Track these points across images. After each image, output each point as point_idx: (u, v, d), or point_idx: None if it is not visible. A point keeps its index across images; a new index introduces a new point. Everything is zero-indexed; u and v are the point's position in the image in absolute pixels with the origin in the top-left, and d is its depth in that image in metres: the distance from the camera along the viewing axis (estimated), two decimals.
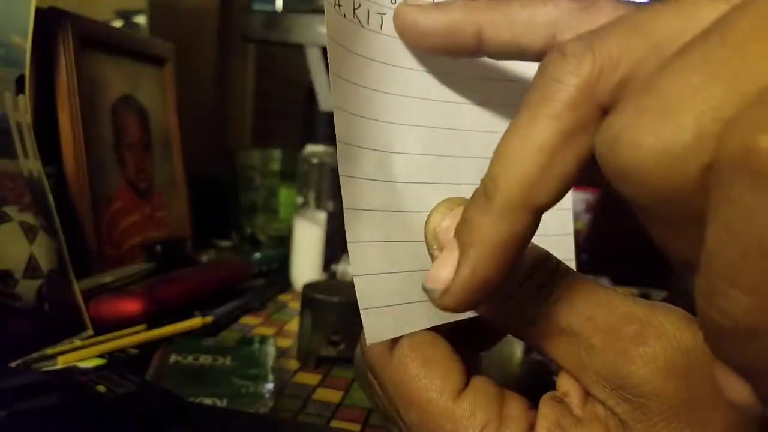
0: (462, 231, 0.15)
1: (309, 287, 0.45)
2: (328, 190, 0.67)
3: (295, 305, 0.57)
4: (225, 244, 0.79)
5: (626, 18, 0.13)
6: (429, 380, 0.18)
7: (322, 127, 0.70)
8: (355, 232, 0.18)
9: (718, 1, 0.12)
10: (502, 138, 0.14)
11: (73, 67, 0.54)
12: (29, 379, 0.34)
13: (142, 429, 0.31)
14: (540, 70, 0.14)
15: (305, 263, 0.63)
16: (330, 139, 0.68)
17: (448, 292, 0.15)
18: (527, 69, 0.20)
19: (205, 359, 0.42)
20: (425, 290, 0.16)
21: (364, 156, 0.18)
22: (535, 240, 0.18)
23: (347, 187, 0.18)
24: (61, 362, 0.38)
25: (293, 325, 0.52)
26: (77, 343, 0.41)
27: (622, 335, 0.16)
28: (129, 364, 0.40)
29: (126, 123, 0.63)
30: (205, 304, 0.53)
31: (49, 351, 0.39)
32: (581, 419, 0.17)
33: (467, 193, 0.18)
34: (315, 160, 0.67)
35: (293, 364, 0.44)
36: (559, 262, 0.18)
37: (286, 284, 0.64)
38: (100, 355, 0.40)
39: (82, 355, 0.39)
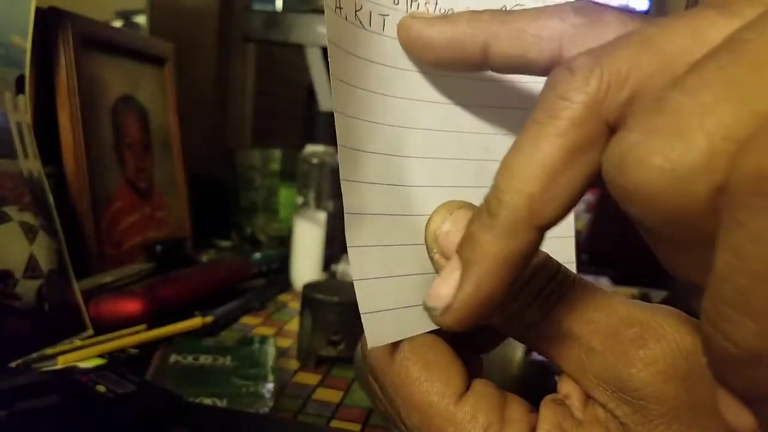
0: (465, 248, 0.15)
1: (309, 287, 0.45)
2: (328, 190, 0.67)
3: (295, 305, 0.57)
4: (225, 244, 0.79)
5: (635, 33, 0.13)
6: (430, 383, 0.18)
7: (322, 127, 0.70)
8: (355, 236, 0.17)
9: (731, 17, 0.12)
10: (507, 154, 0.14)
11: (73, 67, 0.54)
12: (29, 379, 0.34)
13: (142, 429, 0.31)
14: (546, 86, 0.14)
15: (305, 263, 0.63)
16: (330, 139, 0.68)
17: (450, 310, 0.15)
18: None
19: (205, 359, 0.42)
20: (426, 309, 0.16)
21: (365, 159, 0.18)
22: None
23: (348, 191, 0.17)
24: (61, 362, 0.38)
25: (293, 325, 0.52)
26: (77, 343, 0.41)
27: (622, 338, 0.16)
28: (129, 364, 0.40)
29: (126, 123, 0.63)
30: (205, 304, 0.53)
31: (49, 351, 0.39)
32: (582, 422, 0.17)
33: (468, 196, 0.18)
34: (315, 160, 0.67)
35: (293, 364, 0.44)
36: (559, 266, 0.18)
37: (286, 284, 0.64)
38: (100, 355, 0.40)
39: (82, 355, 0.39)
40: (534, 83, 0.20)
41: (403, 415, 0.18)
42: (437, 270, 0.18)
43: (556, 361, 0.18)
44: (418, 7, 0.19)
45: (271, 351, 0.44)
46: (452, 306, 0.15)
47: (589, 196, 0.88)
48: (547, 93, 0.14)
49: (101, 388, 0.32)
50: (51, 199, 0.45)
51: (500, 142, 0.21)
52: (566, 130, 0.13)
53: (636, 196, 0.11)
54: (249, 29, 0.85)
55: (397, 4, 0.19)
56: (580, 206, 0.87)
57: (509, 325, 0.18)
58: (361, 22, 0.18)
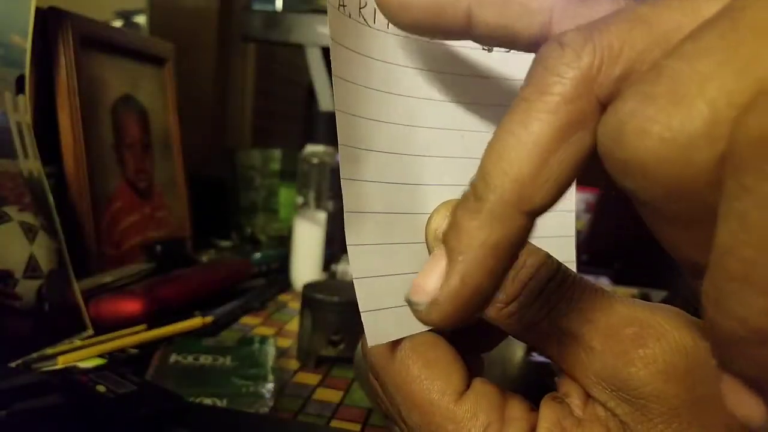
0: (449, 236, 0.14)
1: (309, 287, 0.45)
2: (328, 190, 0.67)
3: (295, 305, 0.57)
4: (225, 244, 0.79)
5: (627, 10, 0.13)
6: (431, 382, 0.18)
7: (322, 127, 0.70)
8: (355, 234, 0.17)
9: None
10: (495, 134, 0.13)
11: (73, 67, 0.54)
12: (29, 379, 0.33)
13: (142, 429, 0.31)
14: (536, 61, 0.13)
15: (305, 263, 0.63)
16: (330, 139, 0.68)
17: (436, 305, 0.14)
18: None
19: (205, 359, 0.42)
20: (409, 304, 0.14)
21: (366, 158, 0.18)
22: (536, 242, 0.18)
23: (348, 190, 0.17)
24: (61, 362, 0.38)
25: (293, 325, 0.52)
26: (77, 343, 0.41)
27: (621, 337, 0.16)
28: (129, 364, 0.40)
29: (126, 123, 0.63)
30: (205, 304, 0.53)
31: (49, 351, 0.39)
32: (582, 420, 0.17)
33: None
34: (315, 160, 0.67)
35: (293, 364, 0.44)
36: (560, 265, 0.18)
37: (286, 284, 0.64)
38: (100, 355, 0.40)
39: (82, 355, 0.39)
40: None
41: (403, 414, 0.18)
42: None
43: (556, 360, 0.18)
44: None
45: (271, 351, 0.44)
46: (438, 300, 0.14)
47: (589, 196, 0.87)
48: (536, 68, 0.13)
49: (101, 388, 0.32)
50: (51, 199, 0.45)
51: None
52: (557, 106, 0.12)
53: (635, 168, 0.11)
54: (249, 29, 0.85)
55: None
56: (580, 206, 0.86)
57: (509, 324, 0.18)
58: (365, 19, 0.18)
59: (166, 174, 0.70)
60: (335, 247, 0.66)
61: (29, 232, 0.42)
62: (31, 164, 0.44)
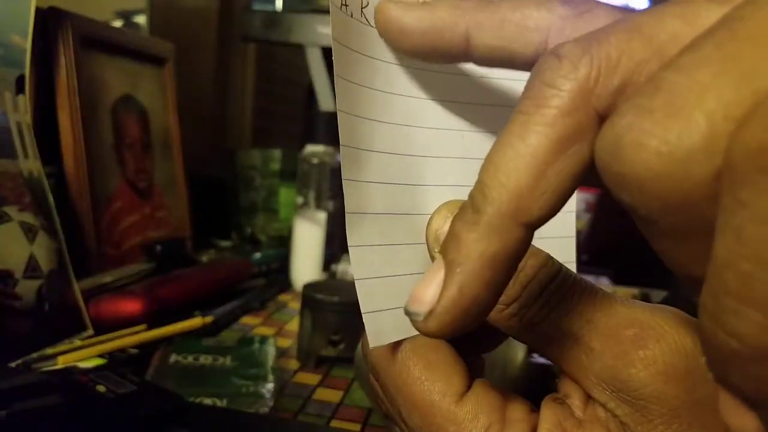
0: (448, 247, 0.14)
1: (309, 287, 0.45)
2: (328, 190, 0.67)
3: (295, 305, 0.57)
4: (225, 244, 0.79)
5: (625, 20, 0.12)
6: (431, 383, 0.18)
7: (322, 127, 0.70)
8: (356, 235, 0.17)
9: (722, 3, 0.11)
10: (493, 147, 0.13)
11: (73, 67, 0.54)
12: (29, 379, 0.33)
13: (142, 429, 0.31)
14: (533, 74, 0.13)
15: (305, 263, 0.63)
16: (330, 139, 0.68)
17: (433, 315, 0.14)
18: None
19: (205, 359, 0.42)
20: (408, 314, 0.14)
21: (368, 159, 0.18)
22: (537, 242, 0.18)
23: (350, 190, 0.17)
24: (61, 362, 0.38)
25: (293, 325, 0.52)
26: (77, 343, 0.41)
27: (621, 338, 0.16)
28: (129, 364, 0.40)
29: (126, 123, 0.63)
30: (205, 304, 0.53)
31: (49, 351, 0.39)
32: (582, 421, 0.17)
33: None
34: (315, 160, 0.67)
35: (293, 364, 0.44)
36: (560, 266, 0.18)
37: (286, 284, 0.64)
38: (100, 355, 0.40)
39: (82, 355, 0.39)
40: None
41: (404, 415, 0.18)
42: None
43: (556, 361, 0.18)
44: None
45: (271, 351, 0.44)
46: (435, 311, 0.14)
47: (589, 196, 0.88)
48: (533, 81, 0.13)
49: (101, 388, 0.32)
50: (51, 199, 0.45)
51: None
52: (554, 119, 0.12)
53: (632, 182, 0.10)
54: (249, 29, 0.85)
55: None
56: (580, 206, 0.86)
57: (509, 325, 0.18)
58: (366, 20, 0.18)
59: (166, 174, 0.70)
60: (335, 247, 0.66)
61: (29, 232, 0.42)
62: (31, 164, 0.44)
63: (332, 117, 0.19)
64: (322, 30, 0.79)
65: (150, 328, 0.45)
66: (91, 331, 0.44)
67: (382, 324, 0.18)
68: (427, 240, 0.18)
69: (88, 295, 0.46)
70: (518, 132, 0.13)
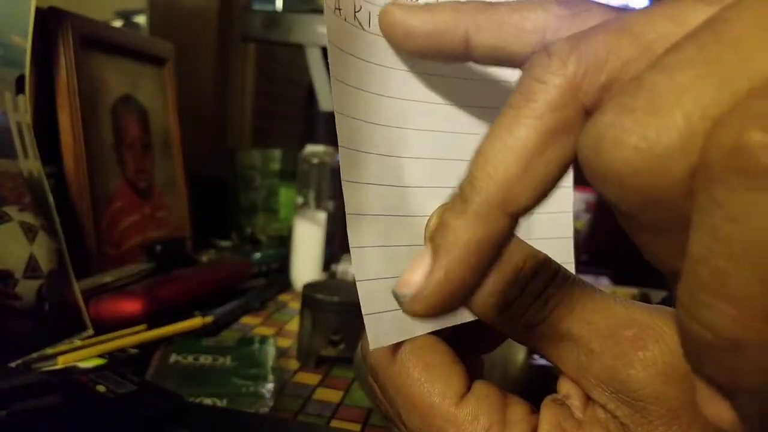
0: (436, 234, 0.14)
1: (309, 287, 0.45)
2: (328, 190, 0.67)
3: (295, 305, 0.57)
4: (225, 244, 0.79)
5: (615, 20, 0.13)
6: (431, 385, 0.18)
7: (322, 127, 0.70)
8: (357, 237, 0.17)
9: (710, 3, 0.11)
10: (483, 139, 0.14)
11: (73, 67, 0.54)
12: (29, 379, 0.34)
13: (142, 429, 0.31)
14: (524, 70, 0.13)
15: (305, 263, 0.63)
16: (330, 139, 0.68)
17: (419, 297, 0.14)
18: None
19: (205, 359, 0.42)
20: (395, 296, 0.15)
21: (366, 160, 0.18)
22: (535, 243, 0.18)
23: (349, 192, 0.17)
24: (61, 362, 0.38)
25: (293, 325, 0.52)
26: (77, 343, 0.41)
27: (620, 339, 0.16)
28: (129, 364, 0.40)
29: (126, 123, 0.63)
30: (205, 304, 0.53)
31: (49, 351, 0.39)
32: (582, 422, 0.17)
33: None
34: (315, 160, 0.67)
35: (293, 364, 0.44)
36: (558, 267, 0.18)
37: (286, 284, 0.64)
38: (100, 355, 0.40)
39: (82, 355, 0.39)
40: None
41: (403, 417, 0.18)
42: None
43: (555, 362, 0.18)
44: None
45: (271, 351, 0.44)
46: (421, 293, 0.14)
47: (588, 196, 0.87)
48: (524, 77, 0.13)
49: (101, 388, 0.32)
50: (51, 199, 0.45)
51: None
52: (542, 113, 0.13)
53: (611, 178, 0.11)
54: (249, 29, 0.85)
55: None
56: (580, 206, 0.86)
57: (509, 327, 0.18)
58: (360, 23, 0.18)
59: (166, 174, 0.70)
60: (335, 247, 0.66)
61: (29, 232, 0.42)
62: (31, 164, 0.44)
63: (332, 117, 0.19)
64: (322, 30, 0.79)
65: (150, 328, 0.45)
66: (91, 331, 0.44)
67: (383, 325, 0.18)
68: (425, 241, 0.18)
69: (88, 295, 0.46)
70: (507, 124, 0.13)
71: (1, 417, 0.27)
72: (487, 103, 0.21)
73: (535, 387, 0.33)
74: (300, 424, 0.36)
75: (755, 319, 0.09)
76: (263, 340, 0.46)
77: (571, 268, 0.20)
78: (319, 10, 0.82)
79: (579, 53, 0.12)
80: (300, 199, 0.68)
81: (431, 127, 0.20)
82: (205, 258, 0.70)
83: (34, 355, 0.38)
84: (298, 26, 0.81)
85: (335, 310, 0.42)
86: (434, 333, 0.19)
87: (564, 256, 0.21)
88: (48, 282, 0.42)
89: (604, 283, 0.73)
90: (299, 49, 0.83)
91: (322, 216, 0.64)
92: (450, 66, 0.20)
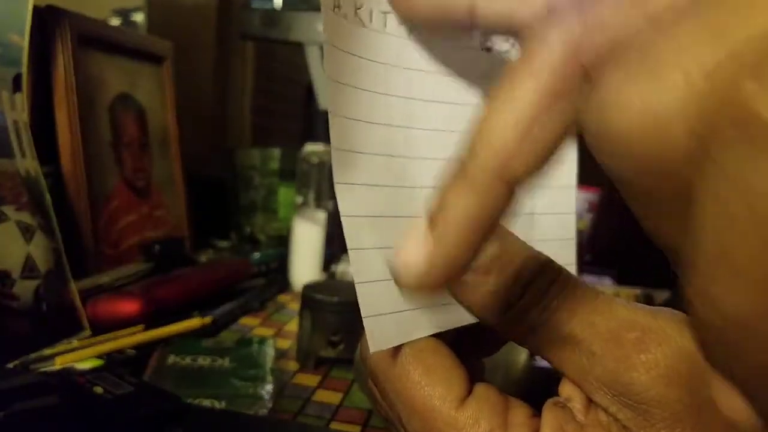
0: (432, 205, 0.14)
1: (308, 287, 0.45)
2: (328, 189, 0.67)
3: (294, 306, 0.57)
4: (224, 243, 0.79)
5: None
6: (432, 388, 0.18)
7: (322, 126, 0.70)
8: (355, 239, 0.17)
9: None
10: (485, 106, 0.13)
11: (70, 65, 0.54)
12: (27, 380, 0.33)
13: (140, 430, 0.31)
14: (527, 31, 0.13)
15: (305, 263, 0.63)
16: (330, 138, 0.68)
17: (414, 268, 0.14)
18: None
19: (203, 360, 0.41)
20: (390, 269, 0.15)
21: (363, 161, 0.18)
22: (537, 245, 0.18)
23: (344, 194, 0.17)
24: (59, 363, 0.38)
25: (292, 326, 0.52)
26: (75, 343, 0.41)
27: (623, 342, 0.16)
28: (127, 364, 0.40)
29: (124, 122, 0.63)
30: (204, 305, 0.53)
31: (47, 352, 0.39)
32: (584, 425, 0.17)
33: None
34: (315, 160, 0.67)
35: (292, 365, 0.44)
36: (560, 269, 0.18)
37: (285, 284, 0.64)
38: (98, 356, 0.40)
39: (79, 356, 0.39)
40: None
41: (404, 420, 0.18)
42: None
43: (557, 364, 0.18)
44: None
45: (270, 352, 0.43)
46: (417, 265, 0.14)
47: (591, 196, 0.87)
48: (525, 37, 0.13)
49: (99, 389, 0.32)
50: (48, 198, 0.45)
51: None
52: (542, 72, 0.12)
53: (613, 143, 0.11)
54: (248, 27, 0.85)
55: None
56: (583, 206, 0.86)
57: (509, 329, 0.18)
58: (361, 21, 0.18)
59: (165, 173, 0.70)
60: (335, 247, 0.65)
61: (26, 231, 0.42)
62: (28, 163, 0.44)
63: None
64: (322, 28, 0.78)
65: (148, 328, 0.45)
66: (88, 332, 0.44)
67: (383, 328, 0.17)
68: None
69: (85, 295, 0.46)
70: (507, 87, 0.13)
71: None
72: None
73: (536, 389, 0.33)
74: (299, 425, 0.35)
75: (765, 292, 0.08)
76: (262, 341, 0.46)
77: (573, 269, 0.20)
78: (318, 8, 0.82)
79: (582, 14, 0.12)
80: (299, 199, 0.68)
81: (434, 125, 0.19)
82: (203, 258, 0.69)
83: (32, 355, 0.38)
84: (297, 24, 0.81)
85: (335, 310, 0.42)
86: (435, 336, 0.19)
87: (566, 257, 0.21)
88: (45, 282, 0.42)
89: (607, 283, 0.73)
90: (299, 48, 0.83)
91: (321, 216, 0.64)
92: (453, 64, 0.20)
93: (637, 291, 0.65)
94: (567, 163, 0.21)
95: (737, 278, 0.08)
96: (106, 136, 0.60)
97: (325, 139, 0.69)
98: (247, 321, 0.53)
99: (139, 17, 0.78)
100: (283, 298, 0.61)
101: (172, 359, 0.41)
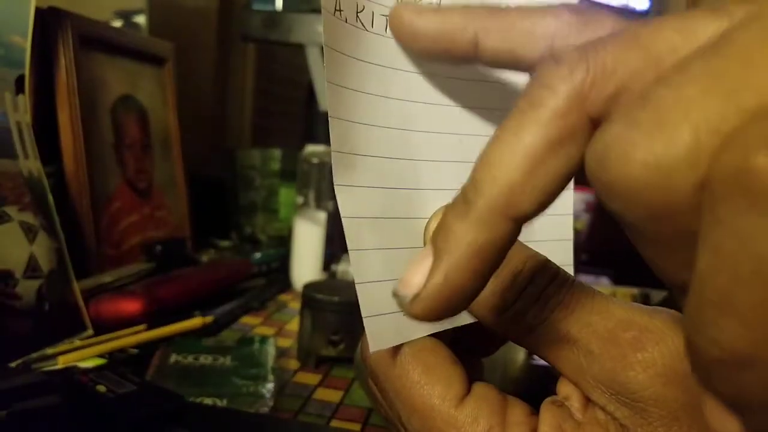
0: (438, 236, 0.14)
1: (309, 287, 0.45)
2: (328, 189, 0.67)
3: (295, 305, 0.57)
4: (225, 243, 0.79)
5: (624, 31, 0.13)
6: (431, 387, 0.18)
7: (322, 127, 0.70)
8: (356, 239, 0.17)
9: (721, 17, 0.11)
10: (488, 143, 0.14)
11: (72, 66, 0.54)
12: (29, 379, 0.33)
13: (142, 429, 0.31)
14: (533, 76, 0.13)
15: (305, 263, 0.63)
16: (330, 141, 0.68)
17: (418, 299, 0.14)
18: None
19: (205, 359, 0.42)
20: (395, 296, 0.15)
21: (363, 163, 0.18)
22: (534, 245, 0.18)
23: (345, 196, 0.17)
24: (62, 362, 0.38)
25: (293, 325, 0.52)
26: (77, 343, 0.41)
27: (620, 341, 0.16)
28: (129, 364, 0.40)
29: (125, 123, 0.63)
30: (205, 304, 0.53)
31: (49, 351, 0.39)
32: (582, 424, 0.17)
33: None
34: (315, 160, 0.67)
35: (293, 363, 0.44)
36: (558, 269, 0.18)
37: (286, 284, 0.64)
38: (100, 355, 0.40)
39: (82, 355, 0.39)
40: None
41: (403, 419, 0.18)
42: None
43: (554, 364, 0.18)
44: None
45: (271, 351, 0.44)
46: (421, 295, 0.14)
47: (588, 196, 0.87)
48: (531, 83, 0.13)
49: (101, 388, 0.32)
50: (51, 199, 0.45)
51: None
52: (548, 119, 0.13)
53: (618, 191, 0.11)
54: (249, 29, 0.85)
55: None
56: (580, 206, 0.86)
57: (508, 329, 0.18)
58: (362, 24, 0.18)
59: (166, 174, 0.70)
60: (335, 247, 0.66)
61: (29, 232, 0.42)
62: (31, 164, 0.44)
63: None
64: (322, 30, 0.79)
65: (150, 328, 0.45)
66: (91, 331, 0.44)
67: (383, 328, 0.18)
68: (424, 243, 0.18)
69: (88, 295, 0.46)
70: (513, 129, 0.13)
71: (1, 417, 0.27)
72: (492, 105, 0.21)
73: (535, 388, 0.33)
74: (300, 424, 0.36)
75: (764, 337, 0.09)
76: (263, 340, 0.46)
77: (570, 270, 0.20)
78: (319, 10, 0.82)
79: (587, 62, 0.12)
80: (300, 199, 0.68)
81: (433, 128, 0.20)
82: (205, 258, 0.69)
83: (34, 355, 0.38)
84: (298, 26, 0.81)
85: (335, 310, 0.42)
86: (434, 335, 0.19)
87: (563, 258, 0.21)
88: (48, 282, 0.42)
89: (604, 283, 0.73)
90: (299, 49, 0.83)
91: (322, 216, 0.64)
92: (455, 67, 0.20)
93: (634, 291, 0.65)
94: None
95: (737, 322, 0.09)
96: (108, 138, 0.60)
97: (326, 140, 0.69)
98: (248, 320, 0.53)
99: (140, 19, 0.78)
100: (283, 297, 0.61)
101: (174, 358, 0.41)
